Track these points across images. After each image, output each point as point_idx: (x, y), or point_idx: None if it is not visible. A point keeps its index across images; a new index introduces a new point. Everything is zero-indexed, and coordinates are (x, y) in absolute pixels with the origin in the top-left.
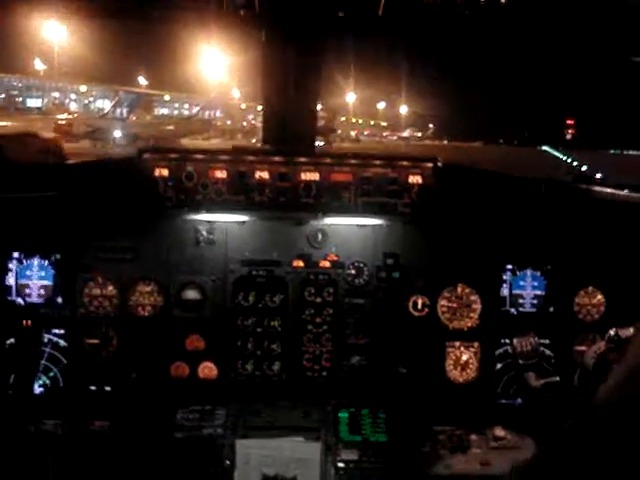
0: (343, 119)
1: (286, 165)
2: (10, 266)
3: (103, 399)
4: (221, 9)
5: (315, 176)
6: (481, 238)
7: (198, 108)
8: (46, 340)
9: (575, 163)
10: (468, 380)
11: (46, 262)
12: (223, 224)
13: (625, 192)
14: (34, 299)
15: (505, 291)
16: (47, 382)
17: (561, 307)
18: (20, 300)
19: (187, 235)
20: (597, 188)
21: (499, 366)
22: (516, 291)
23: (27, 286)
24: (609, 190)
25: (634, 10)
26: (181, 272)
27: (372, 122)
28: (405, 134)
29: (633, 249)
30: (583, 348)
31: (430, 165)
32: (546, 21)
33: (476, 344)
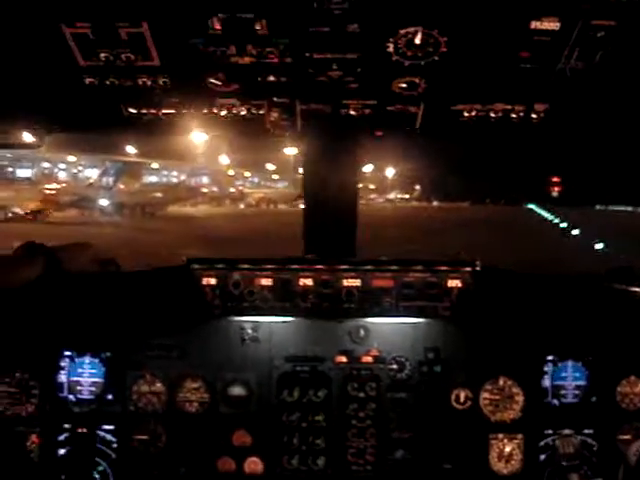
0: None
1: (329, 272)
2: (62, 364)
3: None
4: (262, 127)
5: (357, 282)
6: (521, 331)
7: (185, 175)
8: (98, 437)
9: (556, 221)
10: (512, 472)
11: (97, 360)
12: (267, 323)
13: None
14: (85, 396)
15: (547, 382)
16: (97, 477)
17: (603, 397)
18: (72, 397)
19: (233, 334)
20: (634, 288)
21: (543, 457)
22: (558, 382)
23: (78, 383)
24: None
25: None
26: (227, 369)
27: (360, 185)
28: (391, 196)
29: None
30: (627, 437)
31: (469, 269)
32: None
33: (519, 436)
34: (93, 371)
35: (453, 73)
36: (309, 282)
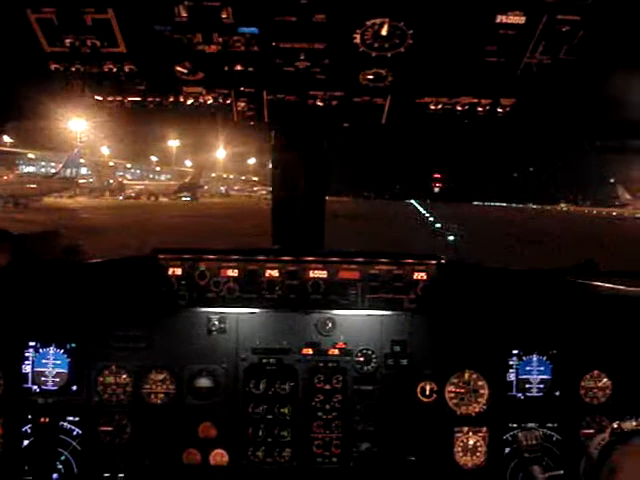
0: (214, 175)
1: (295, 264)
2: (27, 354)
3: None
4: (229, 118)
5: (323, 274)
6: (486, 326)
7: (60, 165)
8: (61, 428)
9: (431, 219)
10: (477, 465)
11: (62, 351)
12: (234, 314)
13: (623, 287)
14: (49, 387)
15: (512, 376)
16: (61, 469)
17: (567, 391)
18: (35, 388)
19: (199, 325)
20: (596, 283)
21: (507, 450)
22: (522, 376)
23: (43, 374)
24: (608, 285)
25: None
26: (193, 361)
27: (243, 177)
28: None
29: (637, 333)
30: (590, 431)
31: (434, 262)
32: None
33: (484, 429)
34: (58, 362)
35: (419, 65)
36: (275, 273)
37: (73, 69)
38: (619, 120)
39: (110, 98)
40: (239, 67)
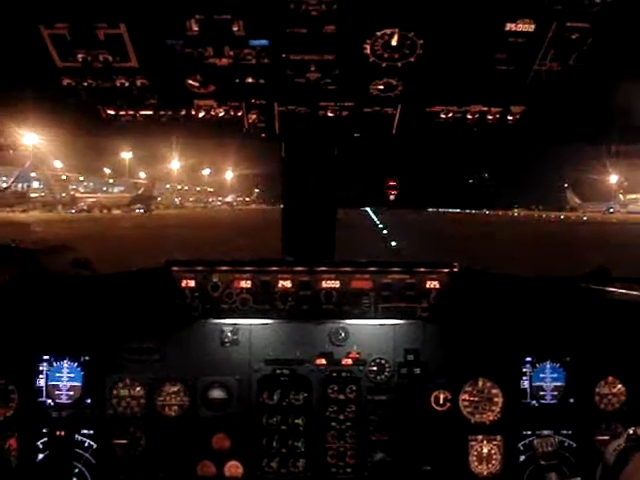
0: (168, 186)
1: (307, 274)
2: (40, 368)
3: None
4: (240, 130)
5: (335, 284)
6: (499, 333)
7: (12, 180)
8: (76, 441)
9: (381, 226)
10: (492, 473)
11: (75, 364)
12: (247, 325)
13: (636, 293)
14: (64, 400)
15: (526, 383)
16: None
17: (581, 398)
18: (50, 401)
19: (212, 337)
20: (609, 289)
21: (522, 458)
22: (536, 383)
23: (57, 387)
24: (621, 291)
25: None
26: (207, 372)
27: (198, 188)
28: (228, 199)
29: None
30: (605, 438)
31: (446, 270)
32: None
33: (499, 437)
34: (72, 375)
35: (430, 75)
36: (288, 284)
37: (85, 84)
38: (629, 126)
39: (122, 112)
40: (250, 79)
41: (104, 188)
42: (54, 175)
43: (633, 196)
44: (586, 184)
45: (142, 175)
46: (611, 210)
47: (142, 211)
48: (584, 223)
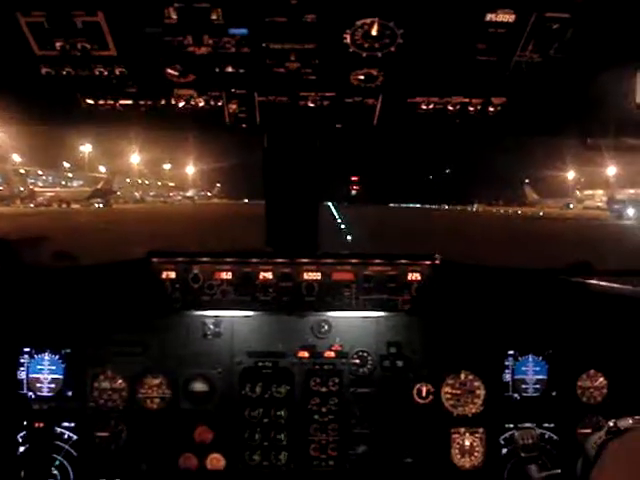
0: (129, 180)
1: (289, 266)
2: (21, 360)
3: None
4: (221, 121)
5: (317, 276)
6: (482, 326)
7: None
8: (56, 433)
9: (339, 220)
10: (474, 466)
11: (57, 356)
12: (229, 317)
13: (617, 286)
14: (45, 393)
15: (508, 376)
16: (57, 475)
17: (564, 391)
18: (31, 394)
19: (194, 329)
20: (590, 281)
21: (504, 451)
22: (518, 376)
23: (38, 380)
24: (602, 283)
25: None
26: (189, 365)
27: (159, 183)
28: (189, 194)
29: (632, 332)
30: (587, 431)
31: (428, 262)
32: None
33: (481, 430)
34: (53, 368)
35: (410, 65)
36: (269, 276)
37: (64, 73)
38: (609, 118)
39: (101, 102)
40: (230, 69)
41: (63, 182)
42: (12, 169)
43: (589, 192)
44: (544, 180)
45: (102, 169)
46: (571, 206)
47: (101, 205)
48: (539, 218)
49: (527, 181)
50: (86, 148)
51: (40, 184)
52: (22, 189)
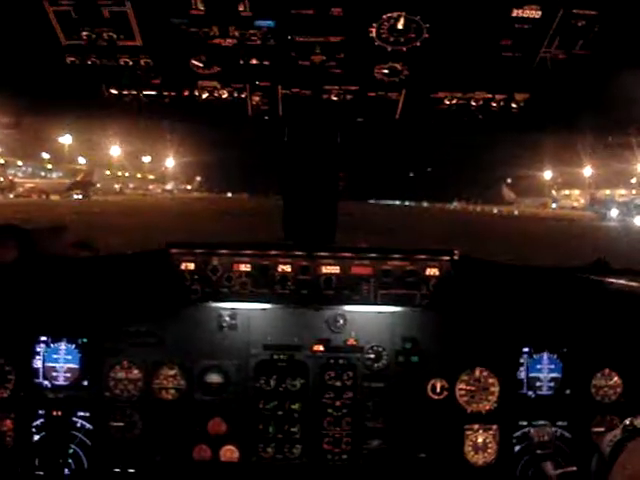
0: (108, 173)
1: (307, 259)
2: (38, 349)
3: None
4: (243, 113)
5: (335, 269)
6: (498, 323)
7: None
8: (71, 422)
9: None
10: (487, 463)
11: (73, 346)
12: (246, 310)
13: (635, 284)
14: (60, 382)
15: (522, 374)
16: (72, 464)
17: (578, 389)
18: (47, 383)
19: (210, 321)
20: (608, 280)
21: (517, 449)
22: (533, 374)
23: (54, 369)
24: (620, 282)
25: None
26: (204, 356)
27: (139, 175)
28: (169, 187)
29: None
30: (601, 429)
31: (447, 258)
32: None
33: (494, 427)
34: (69, 357)
35: (435, 60)
36: (288, 268)
37: (89, 62)
38: (632, 117)
39: (125, 92)
40: (254, 61)
41: (43, 173)
42: None
43: (566, 192)
44: (522, 179)
45: (82, 161)
46: (553, 206)
47: (80, 197)
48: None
49: (509, 181)
50: (66, 139)
51: (20, 175)
52: (1, 180)
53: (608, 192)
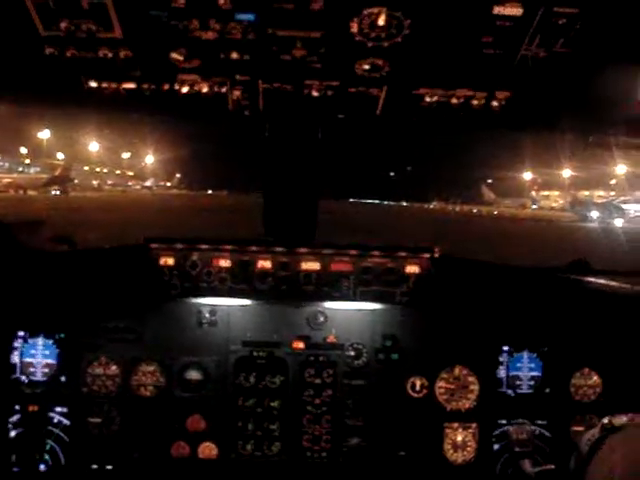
0: (87, 168)
1: (287, 255)
2: (15, 344)
3: (105, 478)
4: (224, 108)
5: (315, 266)
6: (478, 321)
7: None
8: (48, 418)
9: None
10: (466, 461)
11: (51, 341)
12: (225, 306)
13: (614, 284)
14: (38, 377)
15: (502, 372)
16: (48, 459)
17: (557, 388)
18: (24, 378)
19: (190, 317)
20: (590, 279)
21: (497, 447)
22: (513, 372)
23: (31, 364)
24: (600, 282)
25: None
26: (183, 353)
27: (118, 171)
28: (148, 183)
29: (627, 331)
30: (580, 429)
31: (427, 255)
32: None
33: (474, 425)
34: (46, 352)
35: (416, 56)
36: (267, 264)
37: (68, 54)
38: (613, 116)
39: (105, 85)
40: (235, 55)
41: (20, 169)
42: None
43: (546, 193)
44: (502, 180)
45: (60, 156)
46: (534, 206)
47: (58, 193)
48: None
49: (490, 181)
50: (44, 134)
51: None
52: None
53: (587, 193)
